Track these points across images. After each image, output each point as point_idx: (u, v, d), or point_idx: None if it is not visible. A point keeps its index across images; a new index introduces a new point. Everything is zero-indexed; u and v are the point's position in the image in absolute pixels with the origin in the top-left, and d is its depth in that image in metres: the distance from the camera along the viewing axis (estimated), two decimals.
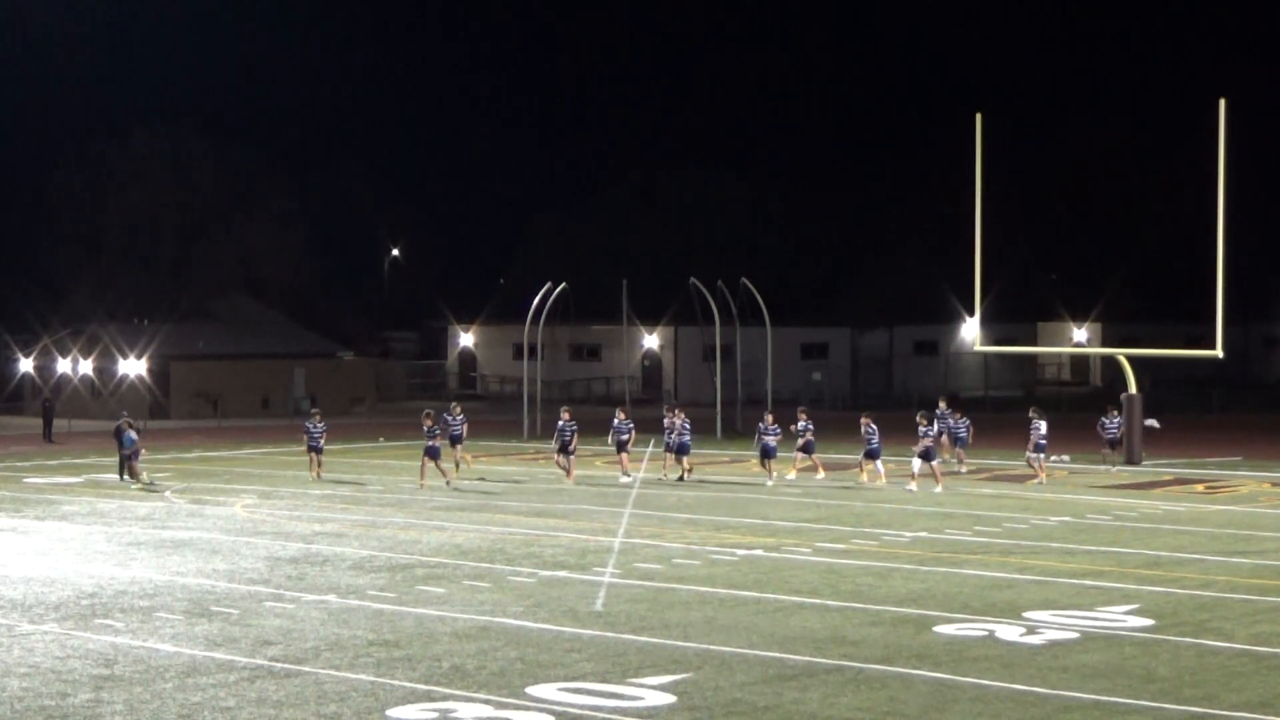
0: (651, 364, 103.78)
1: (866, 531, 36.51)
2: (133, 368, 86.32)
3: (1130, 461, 51.43)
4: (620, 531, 33.76)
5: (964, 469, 50.32)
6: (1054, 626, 24.61)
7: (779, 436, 47.61)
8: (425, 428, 45.95)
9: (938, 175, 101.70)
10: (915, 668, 21.56)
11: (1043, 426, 47.43)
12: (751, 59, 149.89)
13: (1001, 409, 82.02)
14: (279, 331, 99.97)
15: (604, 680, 20.70)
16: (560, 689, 20.17)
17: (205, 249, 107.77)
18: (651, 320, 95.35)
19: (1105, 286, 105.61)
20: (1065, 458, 53.75)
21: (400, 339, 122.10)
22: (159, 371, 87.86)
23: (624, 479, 46.44)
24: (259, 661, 22.02)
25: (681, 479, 47.22)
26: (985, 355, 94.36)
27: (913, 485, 44.64)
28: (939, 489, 44.20)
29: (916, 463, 45.10)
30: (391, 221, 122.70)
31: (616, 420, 48.96)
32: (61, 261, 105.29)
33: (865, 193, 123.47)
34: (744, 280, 69.76)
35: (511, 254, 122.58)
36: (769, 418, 48.15)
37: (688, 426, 47.92)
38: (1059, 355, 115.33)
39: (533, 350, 71.36)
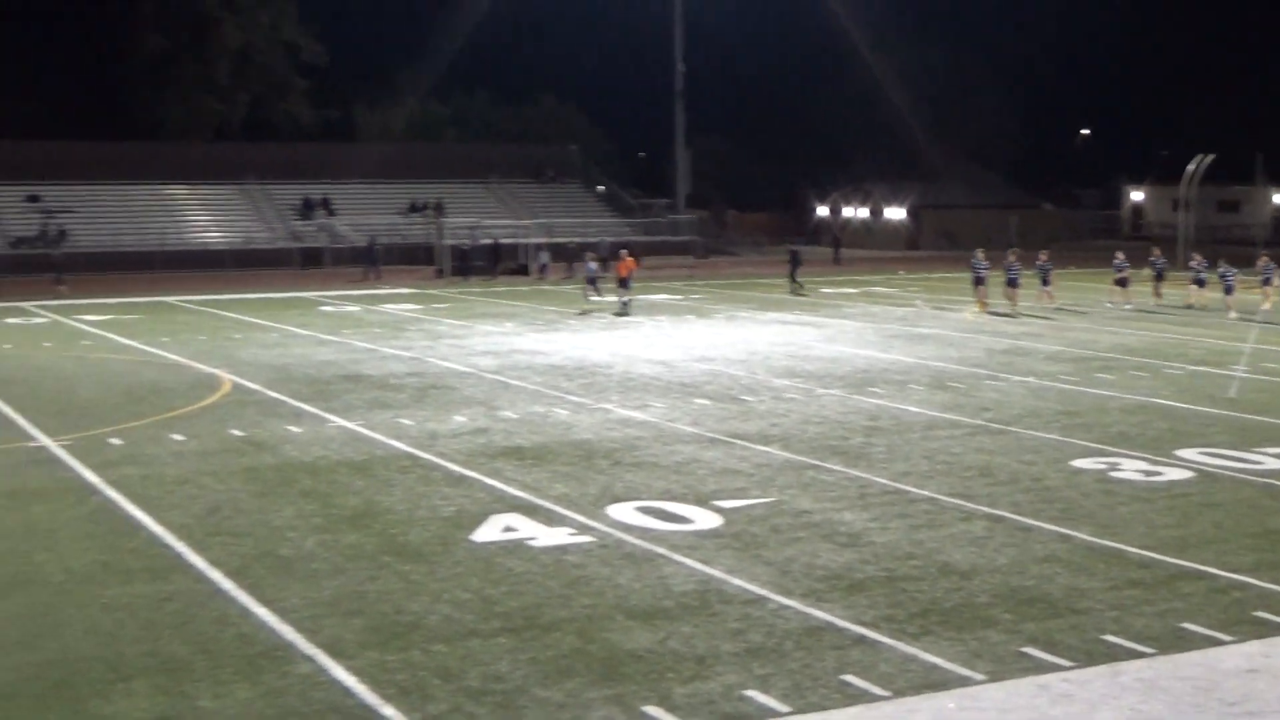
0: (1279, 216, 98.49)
1: None
2: (895, 213, 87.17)
3: None
4: (1250, 340, 32.00)
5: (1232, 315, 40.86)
6: None
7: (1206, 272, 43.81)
8: (1152, 259, 44.86)
9: None
10: None
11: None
12: None
13: None
14: (998, 188, 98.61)
15: (1233, 449, 19.72)
16: (1200, 452, 19.37)
17: (944, 129, 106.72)
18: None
19: None
20: None
21: (1086, 194, 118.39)
22: (913, 216, 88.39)
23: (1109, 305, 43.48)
24: (978, 422, 22.03)
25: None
26: None
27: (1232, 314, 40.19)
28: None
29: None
30: (1081, 104, 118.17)
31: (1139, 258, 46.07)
32: (848, 136, 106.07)
33: None
34: None
35: (1175, 129, 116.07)
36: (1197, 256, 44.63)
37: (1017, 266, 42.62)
38: None
39: (1186, 204, 68.35)
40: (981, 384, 26.41)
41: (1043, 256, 44.97)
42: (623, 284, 42.26)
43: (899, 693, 10.48)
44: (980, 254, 43.57)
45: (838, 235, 78.45)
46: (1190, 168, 66.10)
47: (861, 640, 11.60)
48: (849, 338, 34.92)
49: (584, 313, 41.80)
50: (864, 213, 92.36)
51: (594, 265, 46.78)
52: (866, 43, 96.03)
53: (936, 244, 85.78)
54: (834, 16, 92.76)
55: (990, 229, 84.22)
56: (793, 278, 50.37)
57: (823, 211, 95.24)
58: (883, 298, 47.61)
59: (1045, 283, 43.63)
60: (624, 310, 41.35)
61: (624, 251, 44.94)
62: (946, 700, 10.34)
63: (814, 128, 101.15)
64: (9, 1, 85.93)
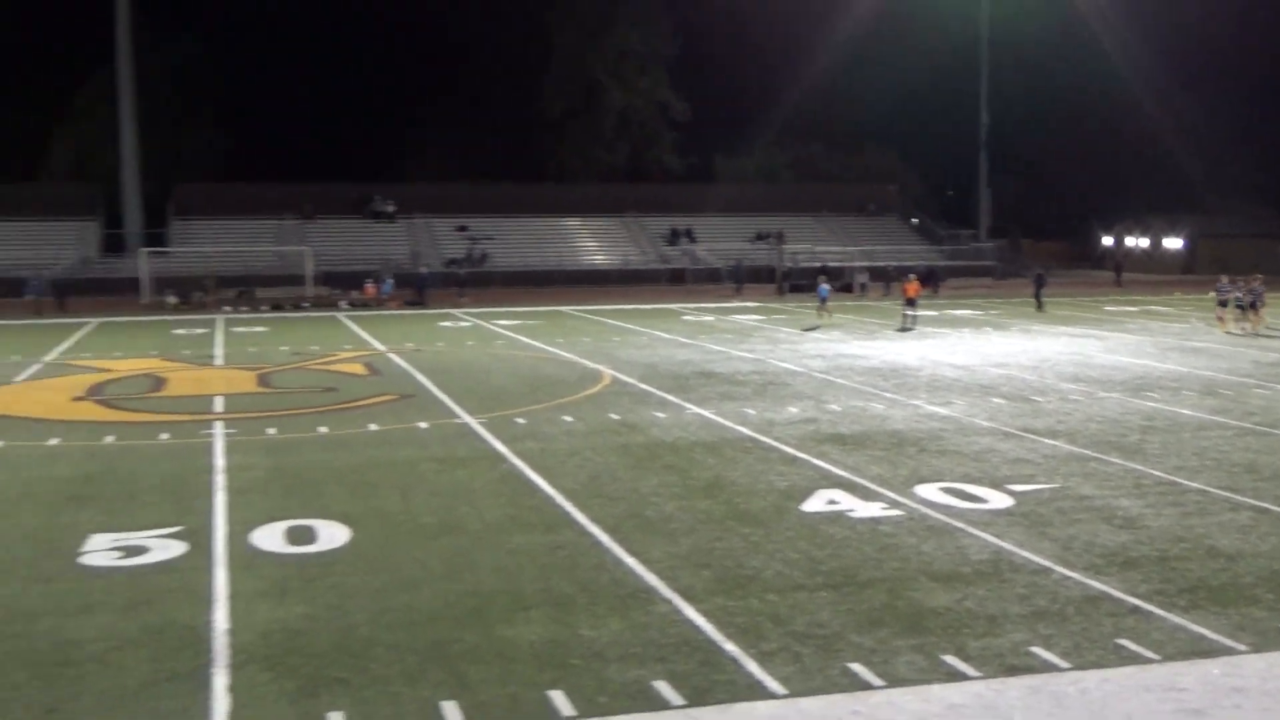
0: None
1: None
2: (1172, 242, 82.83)
3: None
4: None
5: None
6: None
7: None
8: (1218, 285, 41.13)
9: None
10: None
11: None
12: None
13: None
14: (1269, 220, 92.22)
15: None
16: None
17: (1218, 166, 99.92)
18: None
19: None
20: None
21: None
22: (1189, 244, 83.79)
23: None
24: (1246, 425, 20.67)
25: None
26: None
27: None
28: None
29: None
30: None
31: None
32: (1131, 173, 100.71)
33: None
34: None
35: None
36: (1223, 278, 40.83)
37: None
38: None
39: None
40: (1249, 391, 24.78)
41: (1256, 281, 42.11)
42: (909, 303, 41.08)
43: (1168, 657, 9.97)
44: (1224, 279, 41.21)
45: (1120, 261, 75.26)
46: None
47: (1135, 610, 11.07)
48: (1128, 349, 33.31)
49: (808, 329, 39.79)
50: (1144, 242, 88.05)
51: (826, 288, 45.44)
52: (1148, 90, 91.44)
53: (1211, 270, 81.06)
54: (1118, 68, 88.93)
55: (1261, 257, 79.11)
56: (1037, 297, 48.64)
57: (1107, 241, 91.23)
58: (1160, 315, 45.22)
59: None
60: (907, 326, 39.76)
61: (911, 275, 43.84)
62: (1212, 667, 9.79)
63: (1100, 167, 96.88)
64: (446, 77, 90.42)
